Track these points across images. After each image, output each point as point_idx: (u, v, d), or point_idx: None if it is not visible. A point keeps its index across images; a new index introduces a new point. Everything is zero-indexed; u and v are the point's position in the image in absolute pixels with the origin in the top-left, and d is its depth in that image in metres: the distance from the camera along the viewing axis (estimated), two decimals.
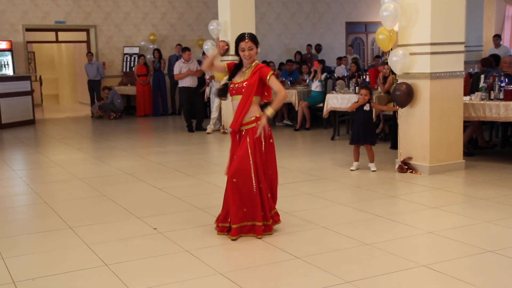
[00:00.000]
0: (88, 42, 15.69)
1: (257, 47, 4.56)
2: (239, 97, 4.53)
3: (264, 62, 12.92)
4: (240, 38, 4.56)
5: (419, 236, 4.54)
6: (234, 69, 4.66)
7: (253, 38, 4.55)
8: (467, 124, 7.64)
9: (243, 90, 4.51)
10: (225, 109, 10.94)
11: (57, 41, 16.33)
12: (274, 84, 4.51)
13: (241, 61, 4.63)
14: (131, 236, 4.72)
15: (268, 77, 4.49)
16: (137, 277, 3.81)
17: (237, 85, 4.57)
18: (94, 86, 15.05)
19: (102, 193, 6.30)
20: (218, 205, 5.67)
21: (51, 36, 16.04)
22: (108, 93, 14.53)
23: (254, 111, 4.52)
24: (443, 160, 6.85)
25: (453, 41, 6.74)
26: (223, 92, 4.74)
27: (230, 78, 4.68)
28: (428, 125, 6.72)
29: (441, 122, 6.79)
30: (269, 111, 4.44)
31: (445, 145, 6.84)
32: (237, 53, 4.60)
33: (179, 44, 15.14)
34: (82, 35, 15.91)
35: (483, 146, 8.22)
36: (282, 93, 4.45)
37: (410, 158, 6.91)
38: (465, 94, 7.45)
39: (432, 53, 6.61)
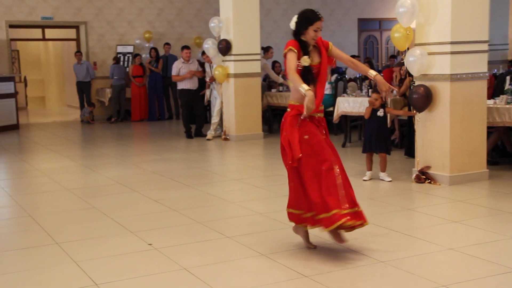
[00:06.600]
0: (77, 40, 15.74)
1: None
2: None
3: (273, 62, 12.95)
4: (316, 17, 4.62)
5: (439, 253, 4.52)
6: (303, 51, 4.62)
7: None
8: (491, 130, 7.62)
9: (321, 70, 4.62)
10: (227, 113, 10.94)
11: (43, 39, 16.37)
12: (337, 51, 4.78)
13: (301, 41, 4.63)
14: (124, 252, 4.71)
15: (331, 47, 4.73)
16: None
17: (315, 67, 4.61)
18: (84, 88, 15.04)
19: (92, 205, 6.30)
20: (220, 218, 5.67)
21: (37, 33, 16.06)
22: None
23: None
24: (465, 170, 6.82)
25: (476, 39, 6.73)
26: (311, 77, 4.60)
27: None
28: (448, 131, 6.71)
29: (463, 128, 6.77)
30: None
31: (466, 153, 6.82)
32: (299, 34, 4.63)
33: (167, 44, 15.22)
34: (71, 33, 15.96)
35: None
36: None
37: (428, 167, 6.89)
38: (489, 97, 7.44)
39: (452, 52, 6.60)
